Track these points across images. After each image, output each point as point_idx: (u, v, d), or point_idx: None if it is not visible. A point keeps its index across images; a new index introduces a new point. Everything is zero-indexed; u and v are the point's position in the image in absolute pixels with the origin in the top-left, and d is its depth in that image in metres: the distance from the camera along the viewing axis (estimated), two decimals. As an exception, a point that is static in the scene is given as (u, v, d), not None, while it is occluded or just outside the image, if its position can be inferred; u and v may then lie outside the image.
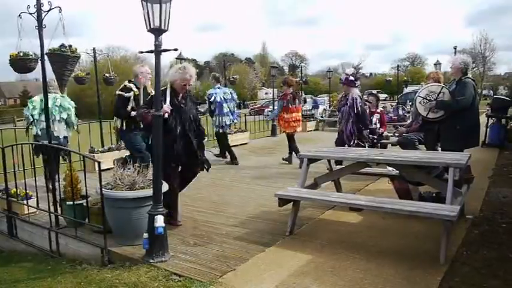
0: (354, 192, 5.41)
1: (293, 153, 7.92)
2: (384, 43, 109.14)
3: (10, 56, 4.68)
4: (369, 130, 6.63)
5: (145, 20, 3.48)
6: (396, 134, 7.63)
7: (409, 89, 23.53)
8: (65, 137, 6.19)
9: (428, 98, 5.13)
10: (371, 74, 70.28)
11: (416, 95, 5.41)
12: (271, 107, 15.12)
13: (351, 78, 6.55)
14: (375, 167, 5.20)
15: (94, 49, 9.12)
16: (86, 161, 4.79)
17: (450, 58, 5.68)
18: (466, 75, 5.06)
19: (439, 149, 5.41)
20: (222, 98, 8.08)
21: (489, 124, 10.04)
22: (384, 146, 7.55)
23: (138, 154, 5.56)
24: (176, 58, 12.46)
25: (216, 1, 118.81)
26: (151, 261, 3.58)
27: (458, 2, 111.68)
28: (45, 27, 4.36)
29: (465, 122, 4.91)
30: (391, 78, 28.98)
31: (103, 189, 3.92)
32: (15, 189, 5.13)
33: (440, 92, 5.08)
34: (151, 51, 3.60)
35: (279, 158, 8.34)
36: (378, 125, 7.35)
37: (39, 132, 5.89)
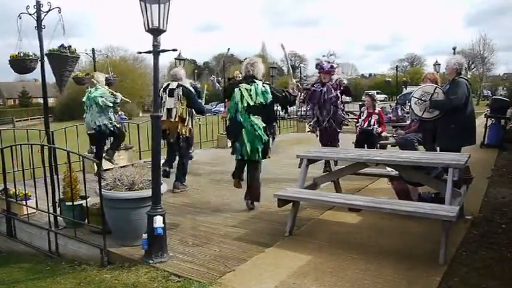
0: (353, 193, 5.41)
1: None
2: (384, 43, 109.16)
3: (10, 56, 4.68)
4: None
5: (143, 20, 3.48)
6: (395, 135, 7.64)
7: (408, 89, 23.55)
8: (100, 125, 6.80)
9: (423, 98, 5.20)
10: (370, 74, 70.40)
11: (411, 95, 5.47)
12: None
13: (335, 65, 6.65)
14: (374, 168, 5.21)
15: (93, 49, 9.14)
16: (85, 162, 4.79)
17: (447, 58, 5.73)
18: (460, 75, 5.11)
19: (438, 149, 5.43)
20: None
21: (488, 125, 10.05)
22: (383, 147, 7.55)
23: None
24: (176, 58, 12.48)
25: (215, 1, 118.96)
26: (150, 261, 3.58)
27: (457, 3, 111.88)
28: (44, 27, 4.36)
29: (459, 120, 4.96)
30: (390, 79, 29.06)
31: (102, 189, 3.92)
32: (14, 190, 5.13)
33: (434, 92, 5.14)
34: (149, 52, 3.60)
35: (278, 158, 8.34)
36: (376, 126, 7.35)
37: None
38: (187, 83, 6.32)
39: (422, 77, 6.37)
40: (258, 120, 4.84)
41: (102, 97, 6.76)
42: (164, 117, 5.83)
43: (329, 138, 6.78)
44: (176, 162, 6.28)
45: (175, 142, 5.97)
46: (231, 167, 5.28)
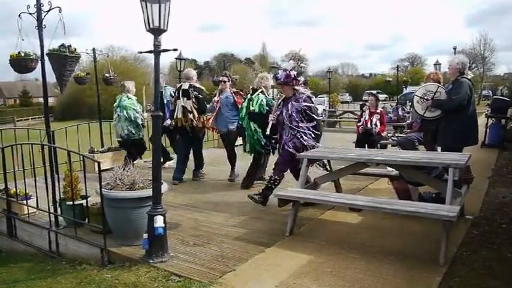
0: (354, 193, 5.41)
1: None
2: (384, 43, 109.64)
3: (10, 56, 4.67)
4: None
5: (144, 20, 3.48)
6: (396, 134, 7.65)
7: (408, 89, 23.52)
8: (128, 134, 7.13)
9: (425, 97, 5.20)
10: (371, 74, 70.41)
11: (413, 94, 5.47)
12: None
13: (293, 73, 4.85)
14: (375, 168, 5.20)
15: (94, 49, 9.12)
16: (86, 161, 4.79)
17: (449, 58, 5.71)
18: (463, 75, 5.10)
19: (439, 149, 5.42)
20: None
21: (489, 124, 10.05)
22: (384, 147, 7.56)
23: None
24: (176, 58, 12.46)
25: (216, 1, 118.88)
26: (151, 261, 3.58)
27: (458, 2, 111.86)
28: (45, 27, 4.35)
29: (462, 120, 4.95)
30: (390, 79, 29.03)
31: (103, 189, 3.92)
32: (14, 189, 5.13)
33: (436, 92, 5.14)
34: (150, 52, 3.60)
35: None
36: (379, 125, 7.37)
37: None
38: (197, 82, 6.74)
39: (425, 77, 6.36)
40: (255, 125, 5.76)
41: (135, 110, 7.08)
42: (180, 115, 6.47)
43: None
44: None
45: (194, 135, 6.56)
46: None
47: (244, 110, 5.92)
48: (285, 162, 5.02)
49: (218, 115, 6.52)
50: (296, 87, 4.96)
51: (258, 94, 5.84)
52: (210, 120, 6.68)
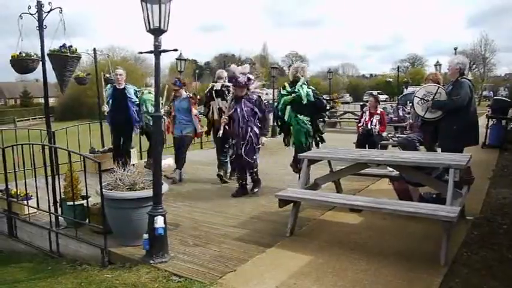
0: (354, 193, 5.41)
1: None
2: (385, 44, 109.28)
3: (11, 56, 4.68)
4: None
5: (144, 21, 3.49)
6: (397, 135, 7.65)
7: (409, 89, 23.50)
8: (147, 123, 7.24)
9: (425, 98, 5.18)
10: (371, 74, 70.42)
11: (414, 95, 5.46)
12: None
13: (253, 77, 5.75)
14: (376, 168, 5.20)
15: (94, 49, 9.11)
16: (86, 162, 4.80)
17: (449, 59, 5.69)
18: (463, 76, 5.09)
19: (439, 149, 5.42)
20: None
21: (489, 125, 10.05)
22: (384, 147, 7.56)
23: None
24: (177, 59, 12.47)
25: (217, 2, 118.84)
26: (151, 262, 3.58)
27: (459, 3, 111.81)
28: (45, 27, 4.36)
29: (462, 121, 4.94)
30: (391, 79, 29.04)
31: (103, 189, 3.92)
32: (15, 190, 5.14)
33: (436, 93, 5.12)
34: (151, 52, 3.60)
35: (280, 159, 8.33)
36: (378, 126, 7.37)
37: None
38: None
39: (424, 78, 6.35)
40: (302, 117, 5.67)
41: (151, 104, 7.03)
42: (216, 117, 6.45)
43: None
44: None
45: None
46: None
47: (282, 103, 5.71)
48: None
49: (174, 119, 6.69)
50: (251, 86, 5.61)
51: (302, 85, 5.64)
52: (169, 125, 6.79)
